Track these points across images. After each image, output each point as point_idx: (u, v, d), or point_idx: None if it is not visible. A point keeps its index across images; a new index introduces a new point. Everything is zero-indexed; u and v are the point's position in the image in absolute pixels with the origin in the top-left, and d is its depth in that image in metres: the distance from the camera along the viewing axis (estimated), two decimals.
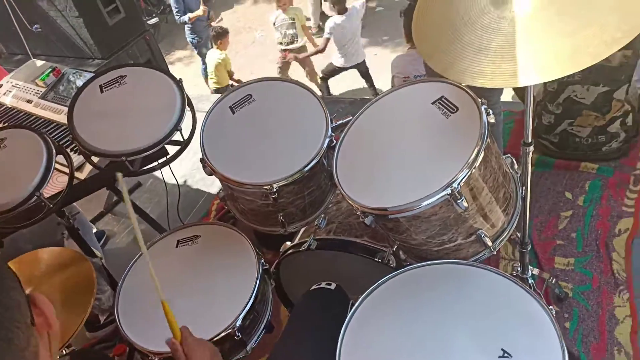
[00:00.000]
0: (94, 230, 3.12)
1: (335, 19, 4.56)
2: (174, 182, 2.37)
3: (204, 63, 5.77)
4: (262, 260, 1.69)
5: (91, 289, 1.65)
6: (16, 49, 4.11)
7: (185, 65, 6.87)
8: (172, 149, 1.84)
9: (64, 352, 1.65)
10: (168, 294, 1.65)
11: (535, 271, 1.85)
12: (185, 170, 3.47)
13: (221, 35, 5.13)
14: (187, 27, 5.67)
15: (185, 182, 3.45)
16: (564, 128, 2.34)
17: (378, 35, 6.40)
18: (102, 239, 3.18)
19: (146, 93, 1.75)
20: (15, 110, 2.56)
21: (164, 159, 1.79)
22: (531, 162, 2.43)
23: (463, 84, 1.31)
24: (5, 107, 2.60)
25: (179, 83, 1.70)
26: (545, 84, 2.27)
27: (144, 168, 1.80)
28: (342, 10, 4.46)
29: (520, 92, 2.42)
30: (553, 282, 1.91)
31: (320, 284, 1.58)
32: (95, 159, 1.88)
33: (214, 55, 5.23)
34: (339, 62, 4.80)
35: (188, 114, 1.76)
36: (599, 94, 2.19)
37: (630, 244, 2.07)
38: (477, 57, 0.98)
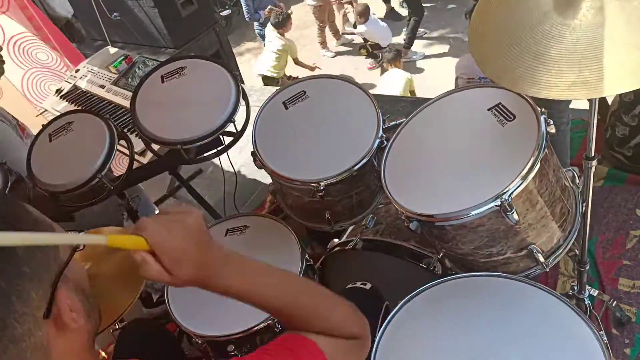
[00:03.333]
0: (156, 212, 3.25)
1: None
2: (232, 171, 2.43)
3: None
4: (307, 256, 1.69)
5: None
6: (97, 35, 4.35)
7: (253, 56, 7.00)
8: (227, 140, 1.88)
9: (117, 326, 1.71)
10: None
11: (594, 292, 1.73)
12: (244, 159, 3.52)
13: (284, 22, 5.09)
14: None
15: (242, 171, 3.51)
16: (638, 142, 2.17)
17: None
18: None
19: (203, 85, 1.80)
20: (89, 94, 2.71)
21: (218, 148, 1.83)
22: (602, 175, 2.33)
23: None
24: (80, 90, 2.76)
25: (235, 76, 1.74)
26: (621, 94, 2.11)
27: (199, 157, 1.85)
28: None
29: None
30: (614, 304, 1.79)
31: (355, 283, 1.55)
32: (155, 146, 1.96)
33: (276, 42, 5.21)
34: None
35: (243, 107, 1.79)
36: None
37: None
38: (534, 64, 0.92)
